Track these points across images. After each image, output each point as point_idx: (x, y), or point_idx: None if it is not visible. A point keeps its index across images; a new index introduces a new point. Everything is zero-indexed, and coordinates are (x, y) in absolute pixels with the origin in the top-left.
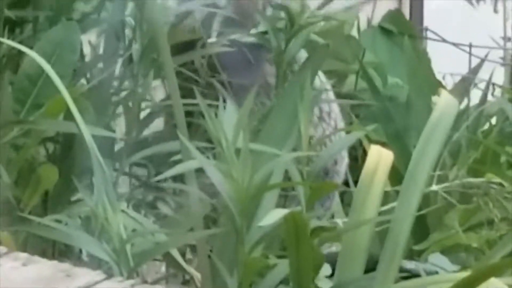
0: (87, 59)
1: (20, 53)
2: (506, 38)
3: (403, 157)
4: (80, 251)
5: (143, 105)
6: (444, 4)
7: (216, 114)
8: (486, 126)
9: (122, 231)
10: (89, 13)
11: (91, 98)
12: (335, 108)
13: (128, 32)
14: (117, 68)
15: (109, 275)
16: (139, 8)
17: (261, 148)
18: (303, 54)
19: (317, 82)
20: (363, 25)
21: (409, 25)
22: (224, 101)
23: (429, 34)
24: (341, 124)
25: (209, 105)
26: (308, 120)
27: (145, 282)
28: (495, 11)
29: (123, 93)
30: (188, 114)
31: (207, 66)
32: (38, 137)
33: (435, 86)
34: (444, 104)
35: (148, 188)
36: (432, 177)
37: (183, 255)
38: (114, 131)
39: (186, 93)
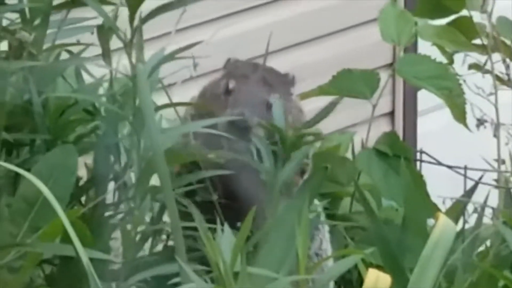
0: (83, 181)
1: (17, 176)
2: (500, 161)
3: (399, 280)
4: None
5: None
6: (437, 126)
7: (214, 237)
8: (482, 248)
9: None
10: (85, 135)
11: (88, 221)
12: (326, 236)
13: (123, 154)
14: (112, 191)
15: None
16: (136, 130)
17: (259, 272)
18: None
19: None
20: (358, 147)
21: (405, 147)
22: (222, 223)
23: (424, 157)
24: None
25: (208, 228)
26: (305, 243)
27: None
28: (495, 135)
29: (119, 216)
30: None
31: (211, 186)
32: (35, 259)
33: (431, 209)
34: (442, 227)
35: None
36: None
37: None
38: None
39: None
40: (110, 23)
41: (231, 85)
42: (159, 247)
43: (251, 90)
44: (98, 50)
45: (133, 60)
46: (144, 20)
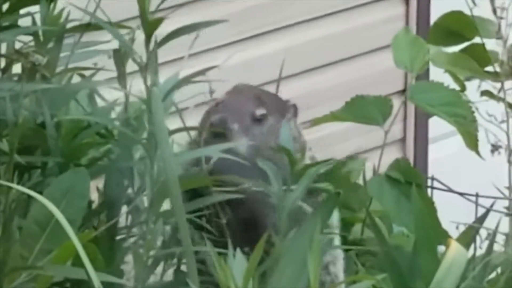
0: (95, 204)
1: (29, 198)
2: (511, 188)
3: None
4: None
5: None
6: (448, 153)
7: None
8: (493, 275)
9: None
10: (97, 159)
11: (99, 244)
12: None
13: (136, 178)
14: (125, 214)
15: None
16: (149, 154)
17: None
18: None
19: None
20: (370, 173)
21: (416, 174)
22: (235, 248)
23: (435, 183)
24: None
25: (219, 253)
26: (317, 269)
27: None
28: (509, 161)
29: (131, 239)
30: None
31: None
32: (47, 282)
33: (442, 236)
34: (453, 253)
35: None
36: None
37: None
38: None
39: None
40: (127, 47)
41: (221, 98)
42: (170, 271)
43: (238, 101)
44: (110, 74)
45: (148, 83)
46: (159, 44)
